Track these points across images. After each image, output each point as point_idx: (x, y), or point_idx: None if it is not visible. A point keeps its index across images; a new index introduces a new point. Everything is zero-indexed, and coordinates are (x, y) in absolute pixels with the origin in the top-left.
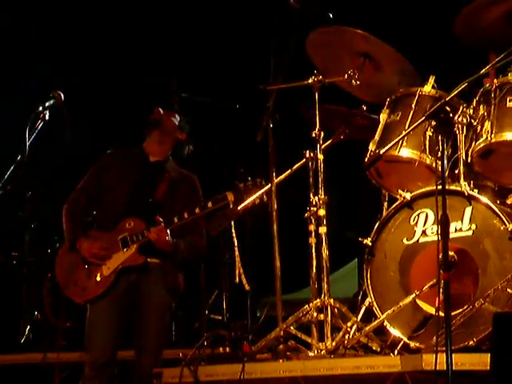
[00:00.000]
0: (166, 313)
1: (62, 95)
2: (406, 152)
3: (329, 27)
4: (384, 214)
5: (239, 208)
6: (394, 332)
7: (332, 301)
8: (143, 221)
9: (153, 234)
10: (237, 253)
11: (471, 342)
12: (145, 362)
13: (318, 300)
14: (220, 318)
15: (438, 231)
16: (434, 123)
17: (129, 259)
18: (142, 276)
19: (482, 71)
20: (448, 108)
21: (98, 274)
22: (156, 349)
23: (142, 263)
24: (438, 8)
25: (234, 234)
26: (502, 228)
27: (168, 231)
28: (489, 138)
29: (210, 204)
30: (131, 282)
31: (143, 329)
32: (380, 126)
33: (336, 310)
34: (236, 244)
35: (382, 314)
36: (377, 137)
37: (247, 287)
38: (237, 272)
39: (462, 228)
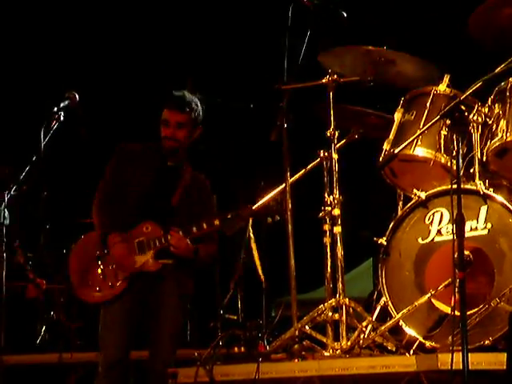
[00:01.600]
0: (179, 316)
1: (77, 96)
2: (420, 151)
3: (340, 48)
4: (399, 213)
5: (254, 207)
6: (410, 331)
7: (347, 300)
8: (160, 226)
9: (174, 240)
10: (254, 250)
11: (487, 342)
12: (159, 366)
13: (333, 300)
14: (235, 317)
15: (453, 230)
16: (448, 122)
17: (145, 264)
18: (156, 281)
19: (496, 70)
20: (463, 107)
21: (113, 276)
22: (170, 352)
23: (158, 269)
24: (454, 7)
25: (251, 233)
26: None
27: (187, 239)
28: (504, 137)
29: (228, 215)
30: (145, 287)
31: (157, 332)
32: (394, 125)
33: (351, 309)
34: (253, 241)
35: (398, 313)
36: (391, 136)
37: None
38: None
39: (477, 227)
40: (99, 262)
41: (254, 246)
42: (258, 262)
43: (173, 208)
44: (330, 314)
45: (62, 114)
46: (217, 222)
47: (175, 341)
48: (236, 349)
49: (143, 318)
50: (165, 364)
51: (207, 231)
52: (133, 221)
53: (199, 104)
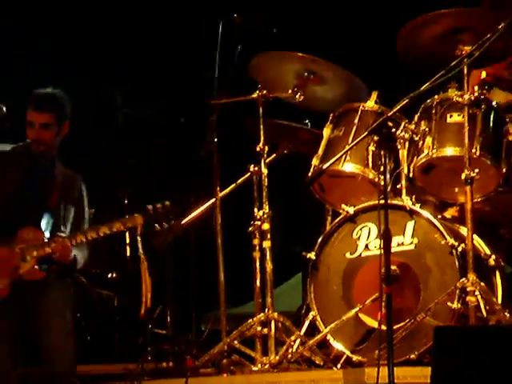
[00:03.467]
0: (66, 323)
1: (5, 108)
2: (349, 167)
3: (269, 53)
4: (327, 228)
5: (184, 222)
6: (337, 346)
7: (276, 315)
8: (40, 231)
9: (58, 248)
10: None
11: (413, 356)
12: (59, 369)
13: (262, 314)
14: (164, 332)
15: (380, 245)
16: (376, 138)
17: (27, 272)
18: (39, 289)
19: (422, 87)
20: (390, 123)
21: None
22: (66, 352)
23: (41, 277)
24: (382, 24)
25: (140, 249)
26: (443, 242)
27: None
28: (430, 154)
29: (117, 224)
30: (28, 296)
31: (46, 343)
32: (323, 140)
33: (280, 323)
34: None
35: (326, 327)
36: (320, 151)
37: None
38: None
39: (404, 242)
40: None
41: (144, 267)
42: (146, 287)
43: (51, 210)
44: (259, 328)
45: None
46: (104, 230)
47: (68, 354)
48: (164, 363)
49: (29, 328)
50: (64, 366)
51: (94, 238)
52: (10, 226)
53: (64, 98)
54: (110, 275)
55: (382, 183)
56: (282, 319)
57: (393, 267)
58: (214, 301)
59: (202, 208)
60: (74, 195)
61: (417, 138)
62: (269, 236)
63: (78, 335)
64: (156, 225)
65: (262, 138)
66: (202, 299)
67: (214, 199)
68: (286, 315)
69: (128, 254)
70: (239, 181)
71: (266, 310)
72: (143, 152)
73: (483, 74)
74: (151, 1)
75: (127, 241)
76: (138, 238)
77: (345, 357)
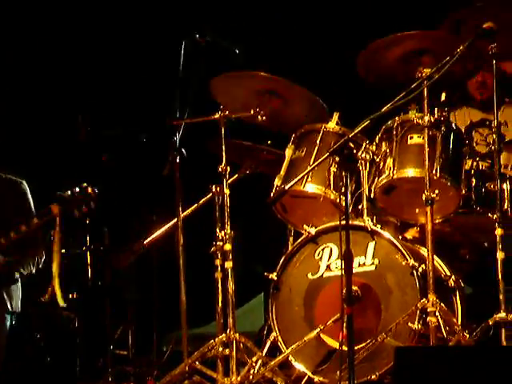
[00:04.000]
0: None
1: None
2: (310, 187)
3: (230, 73)
4: (289, 248)
5: (146, 242)
6: (299, 366)
7: (237, 335)
8: None
9: None
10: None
11: (374, 376)
12: None
13: (224, 335)
14: (125, 353)
15: (341, 266)
16: (337, 159)
17: None
18: None
19: (383, 109)
20: (351, 144)
21: None
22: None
23: None
24: (344, 46)
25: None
26: (403, 263)
27: None
28: (391, 175)
29: (35, 220)
30: None
31: None
32: (285, 161)
33: (241, 344)
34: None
35: (287, 348)
36: (282, 172)
37: (61, 303)
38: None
39: (365, 263)
40: None
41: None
42: (56, 286)
43: None
44: (221, 349)
45: None
46: (23, 228)
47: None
48: None
49: None
50: None
51: (16, 238)
52: None
53: None
54: (70, 296)
55: (344, 204)
56: (244, 340)
57: (354, 288)
58: (176, 321)
59: (164, 228)
60: (12, 199)
61: (378, 159)
62: (231, 256)
63: (37, 357)
64: (76, 211)
65: (223, 159)
66: (163, 320)
67: (175, 219)
68: (248, 336)
69: (89, 274)
70: (201, 201)
71: (228, 330)
72: (105, 171)
73: (443, 96)
74: (114, 20)
75: (88, 261)
76: (56, 231)
77: (306, 378)
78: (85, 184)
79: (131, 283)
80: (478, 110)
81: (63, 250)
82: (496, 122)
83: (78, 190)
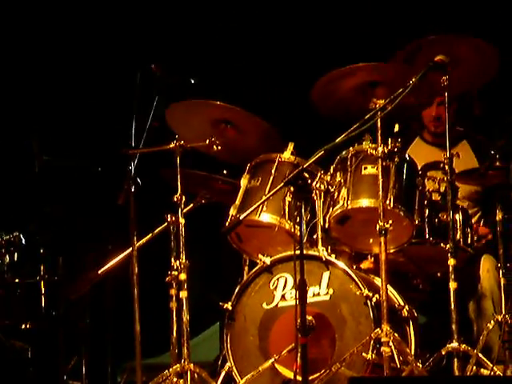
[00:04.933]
0: None
1: None
2: (266, 217)
3: (184, 102)
4: (244, 278)
5: (100, 272)
6: None
7: (192, 366)
8: None
9: None
10: None
11: None
12: None
13: (178, 365)
14: (79, 383)
15: (296, 296)
16: (292, 189)
17: None
18: None
19: (337, 139)
20: (306, 174)
21: None
22: None
23: None
24: (299, 76)
25: None
26: (357, 293)
27: None
28: (345, 205)
29: None
30: None
31: None
32: (241, 190)
33: (196, 374)
34: None
35: (242, 378)
36: (237, 201)
37: None
38: None
39: (319, 293)
40: None
41: None
42: None
43: None
44: (175, 379)
45: None
46: None
47: None
48: None
49: None
50: None
51: None
52: None
53: None
54: (23, 326)
55: (298, 234)
56: (198, 370)
57: (309, 317)
58: (130, 351)
59: (118, 257)
60: None
61: (332, 189)
62: (186, 286)
63: None
64: None
65: (179, 188)
66: (117, 350)
67: (130, 249)
68: (203, 366)
69: (43, 303)
70: (156, 230)
71: (182, 360)
72: (60, 200)
73: (396, 127)
74: (70, 50)
75: (42, 291)
76: None
77: None
78: (16, 233)
79: (85, 313)
80: (431, 145)
81: (16, 280)
82: (448, 154)
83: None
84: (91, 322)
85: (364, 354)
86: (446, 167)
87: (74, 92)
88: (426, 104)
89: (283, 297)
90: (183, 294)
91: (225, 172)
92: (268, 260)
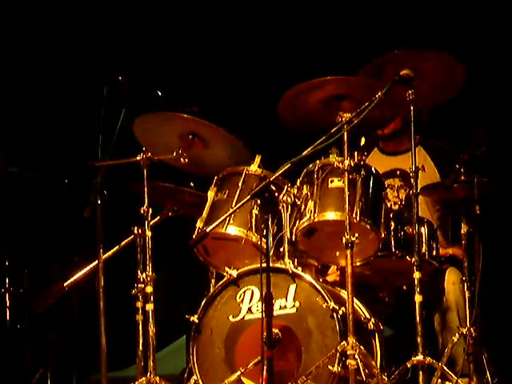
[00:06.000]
0: None
1: None
2: (232, 230)
3: (151, 115)
4: (211, 291)
5: (65, 285)
6: None
7: (158, 379)
8: None
9: None
10: None
11: None
12: None
13: (144, 378)
14: None
15: (262, 308)
16: (259, 202)
17: None
18: None
19: (304, 152)
20: (273, 187)
21: None
22: None
23: None
24: (267, 89)
25: None
26: (324, 306)
27: None
28: (312, 218)
29: None
30: None
31: None
32: (208, 203)
33: None
34: None
35: None
36: (204, 214)
37: None
38: None
39: (286, 305)
40: None
41: None
42: None
43: None
44: None
45: None
46: None
47: None
48: None
49: None
50: None
51: None
52: None
53: None
54: None
55: (265, 246)
56: (164, 383)
57: (275, 330)
58: (96, 364)
59: (84, 270)
60: None
61: (299, 202)
62: (152, 299)
63: None
64: None
65: (146, 201)
66: (83, 363)
67: (96, 261)
68: (169, 379)
69: (8, 316)
70: (123, 243)
71: (148, 373)
72: (27, 212)
73: (362, 141)
74: (36, 61)
75: (7, 304)
76: None
77: None
78: None
79: (51, 326)
80: (387, 155)
81: None
82: (414, 167)
83: None
84: (57, 335)
85: (330, 367)
86: (412, 180)
87: (41, 104)
88: (392, 118)
89: (250, 310)
90: (149, 307)
91: (192, 184)
92: (235, 273)
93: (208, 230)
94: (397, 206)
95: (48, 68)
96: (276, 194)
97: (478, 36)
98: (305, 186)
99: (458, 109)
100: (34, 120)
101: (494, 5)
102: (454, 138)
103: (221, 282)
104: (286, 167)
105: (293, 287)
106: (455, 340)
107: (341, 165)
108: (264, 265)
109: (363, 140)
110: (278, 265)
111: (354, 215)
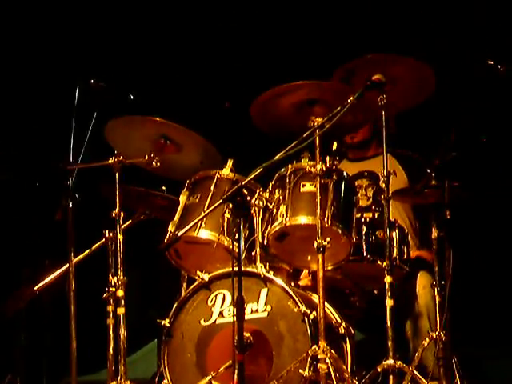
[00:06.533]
0: None
1: None
2: (204, 233)
3: (122, 118)
4: (182, 294)
5: (36, 288)
6: None
7: (129, 383)
8: None
9: None
10: None
11: None
12: None
13: (115, 382)
14: None
15: (233, 312)
16: (231, 206)
17: None
18: None
19: (276, 157)
20: (245, 191)
21: None
22: None
23: None
24: (239, 93)
25: None
26: (295, 310)
27: None
28: (284, 222)
29: None
30: None
31: None
32: (179, 207)
33: None
34: None
35: None
36: (176, 218)
37: None
38: None
39: (257, 309)
40: None
41: None
42: None
43: None
44: None
45: None
46: None
47: None
48: None
49: None
50: None
51: None
52: None
53: None
54: None
55: (237, 250)
56: None
57: (246, 334)
58: (66, 368)
59: (55, 274)
60: None
61: (271, 206)
62: (123, 302)
63: None
64: None
65: (117, 204)
66: (53, 367)
67: (67, 265)
68: (140, 382)
69: None
70: (94, 246)
71: (119, 378)
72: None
73: (334, 146)
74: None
75: None
76: None
77: None
78: None
79: (21, 329)
80: (354, 162)
81: None
82: (385, 172)
83: None
84: (27, 339)
85: (301, 371)
86: (383, 185)
87: (12, 105)
88: (364, 122)
89: (221, 313)
90: (120, 311)
91: (164, 188)
92: (206, 276)
93: (180, 234)
94: (367, 202)
95: (19, 69)
96: (248, 198)
97: (448, 40)
98: (277, 190)
99: (427, 114)
100: (5, 121)
101: (463, 9)
102: (424, 143)
103: (192, 286)
104: (258, 171)
105: (264, 291)
106: (425, 344)
107: (313, 169)
108: (236, 269)
109: (335, 144)
110: (249, 269)
111: (325, 219)
